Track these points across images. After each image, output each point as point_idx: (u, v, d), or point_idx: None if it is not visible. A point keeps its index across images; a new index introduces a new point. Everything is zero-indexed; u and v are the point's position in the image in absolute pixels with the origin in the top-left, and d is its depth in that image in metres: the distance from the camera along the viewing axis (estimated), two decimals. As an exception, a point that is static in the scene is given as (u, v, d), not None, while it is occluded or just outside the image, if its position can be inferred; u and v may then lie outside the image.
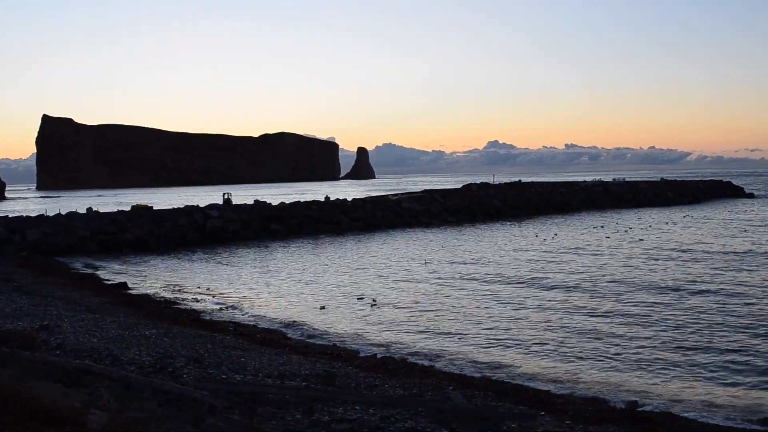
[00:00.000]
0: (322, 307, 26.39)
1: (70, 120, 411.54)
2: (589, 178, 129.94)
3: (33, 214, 61.67)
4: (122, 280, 34.58)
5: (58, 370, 11.38)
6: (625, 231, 53.97)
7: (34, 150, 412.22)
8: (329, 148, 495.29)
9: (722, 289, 27.53)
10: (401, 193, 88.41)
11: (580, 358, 18.43)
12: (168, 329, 19.36)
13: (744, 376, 16.43)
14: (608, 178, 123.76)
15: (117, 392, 10.38)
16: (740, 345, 19.09)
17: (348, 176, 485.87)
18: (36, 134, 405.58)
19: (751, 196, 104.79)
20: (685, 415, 13.77)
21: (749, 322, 21.74)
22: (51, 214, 60.38)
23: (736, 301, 24.93)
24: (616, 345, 19.55)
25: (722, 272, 31.76)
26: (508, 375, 16.94)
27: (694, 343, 19.40)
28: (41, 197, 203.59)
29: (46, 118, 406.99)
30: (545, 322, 22.79)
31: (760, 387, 15.63)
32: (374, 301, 27.26)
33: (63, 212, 60.97)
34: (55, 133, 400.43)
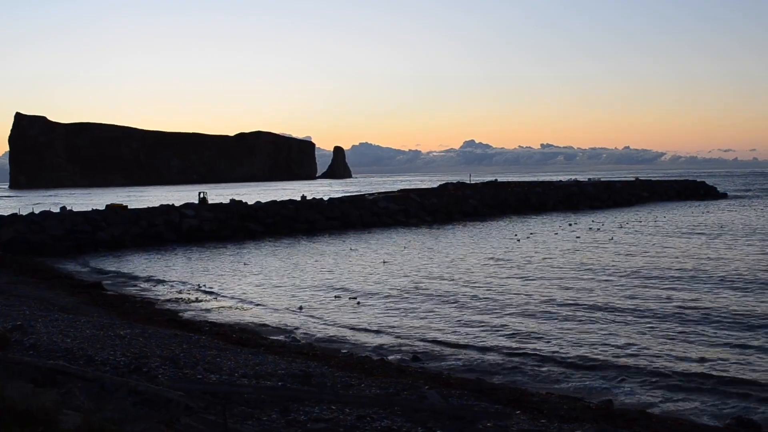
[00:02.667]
0: (300, 308, 26.34)
1: (43, 118, 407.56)
2: (564, 178, 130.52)
3: (6, 213, 60.96)
4: (97, 279, 34.31)
5: (31, 371, 11.27)
6: (597, 230, 54.41)
7: (7, 148, 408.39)
8: (305, 147, 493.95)
9: (698, 286, 27.81)
10: (378, 193, 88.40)
11: (556, 356, 18.52)
12: (143, 329, 19.22)
13: (718, 373, 16.59)
14: (584, 178, 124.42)
15: (91, 392, 10.30)
16: (714, 342, 19.29)
17: (324, 176, 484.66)
18: (9, 132, 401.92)
19: (724, 196, 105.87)
20: (660, 412, 13.89)
21: (722, 322, 21.98)
22: (24, 213, 59.72)
23: (709, 299, 25.19)
24: (592, 344, 19.67)
25: (694, 273, 32.06)
26: (484, 374, 16.99)
27: (670, 341, 19.56)
28: (14, 196, 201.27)
29: (19, 116, 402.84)
30: (520, 321, 22.88)
31: (733, 385, 15.79)
32: (357, 301, 27.23)
33: (36, 211, 60.31)
34: (28, 132, 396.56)
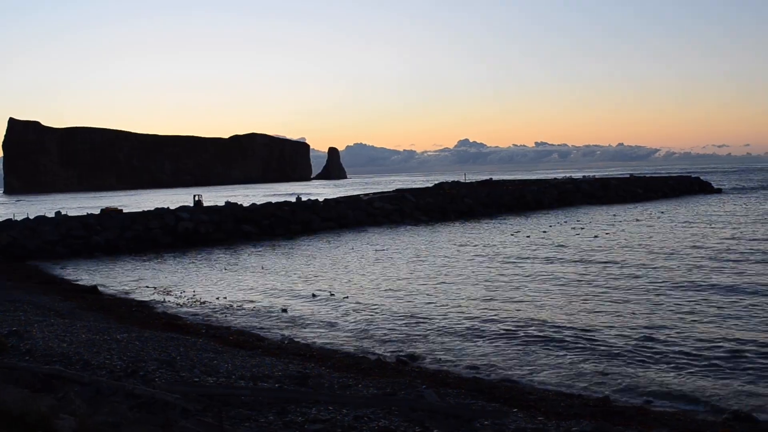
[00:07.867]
0: (288, 309, 26.31)
1: (36, 123, 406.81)
2: (559, 176, 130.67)
3: (0, 219, 60.79)
4: (93, 284, 34.23)
5: (27, 376, 11.25)
6: (581, 229, 54.48)
7: (1, 154, 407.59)
8: (300, 148, 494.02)
9: (693, 282, 27.86)
10: (373, 193, 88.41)
11: (553, 354, 18.52)
12: (140, 333, 19.19)
13: (717, 369, 16.60)
14: (578, 175, 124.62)
15: (87, 397, 10.28)
16: (711, 336, 19.30)
17: (319, 177, 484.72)
18: (2, 138, 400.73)
19: (718, 191, 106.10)
20: (658, 408, 13.90)
21: (720, 315, 22.03)
22: (19, 218, 59.56)
23: (703, 295, 25.24)
24: (588, 340, 19.67)
25: (691, 268, 32.13)
26: (481, 372, 16.99)
27: (667, 338, 19.58)
28: (9, 201, 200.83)
29: (12, 122, 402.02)
30: (516, 320, 22.87)
31: (732, 379, 15.80)
32: (354, 301, 27.20)
33: (31, 216, 60.17)
34: (22, 137, 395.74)
